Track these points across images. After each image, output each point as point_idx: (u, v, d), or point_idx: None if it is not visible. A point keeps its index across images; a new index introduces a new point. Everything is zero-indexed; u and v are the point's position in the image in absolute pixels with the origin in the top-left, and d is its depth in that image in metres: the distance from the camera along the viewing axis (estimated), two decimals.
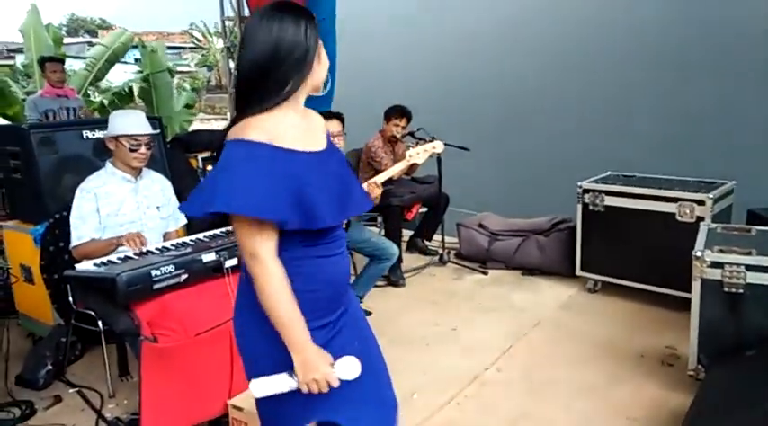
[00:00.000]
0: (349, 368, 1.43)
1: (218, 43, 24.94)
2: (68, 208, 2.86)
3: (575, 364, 3.07)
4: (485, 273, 4.46)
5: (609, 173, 4.12)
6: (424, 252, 4.94)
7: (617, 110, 5.05)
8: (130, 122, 2.83)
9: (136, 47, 9.21)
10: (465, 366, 3.08)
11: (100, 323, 2.76)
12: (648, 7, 4.89)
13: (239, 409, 2.40)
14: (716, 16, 4.52)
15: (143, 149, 2.83)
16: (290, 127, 1.43)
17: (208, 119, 17.11)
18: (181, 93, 8.14)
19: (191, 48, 26.71)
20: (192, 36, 25.73)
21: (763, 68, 4.32)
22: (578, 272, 3.99)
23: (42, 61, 5.42)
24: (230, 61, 6.27)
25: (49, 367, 3.02)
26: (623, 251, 3.73)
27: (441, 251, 4.75)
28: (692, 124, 4.63)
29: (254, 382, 1.42)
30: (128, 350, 2.80)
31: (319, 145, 1.49)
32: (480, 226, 4.72)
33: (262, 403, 1.55)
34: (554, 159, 5.43)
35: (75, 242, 2.71)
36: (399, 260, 4.18)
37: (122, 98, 8.49)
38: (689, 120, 4.66)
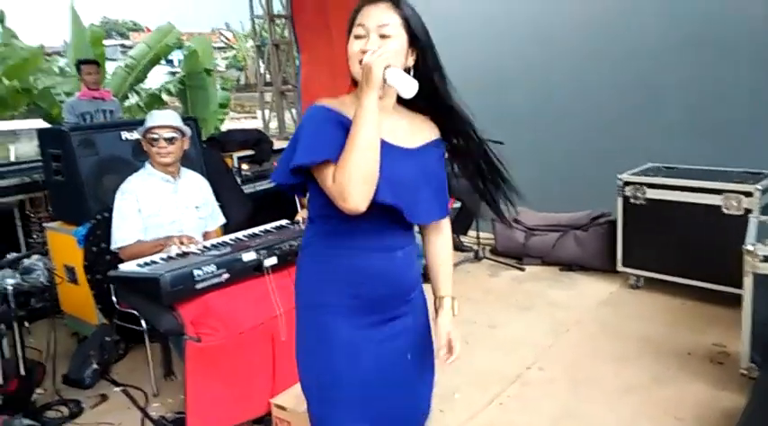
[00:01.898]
0: (402, 79, 1.37)
1: (248, 43, 25.27)
2: (110, 210, 2.90)
3: (618, 362, 3.00)
4: (521, 269, 4.40)
5: (649, 164, 4.01)
6: (459, 248, 4.89)
7: (652, 100, 4.93)
8: (154, 117, 2.86)
9: (179, 47, 9.35)
10: (505, 364, 3.04)
11: (143, 322, 2.80)
12: None
13: (282, 408, 2.41)
14: (752, 3, 4.38)
15: (162, 143, 2.82)
16: (351, 103, 1.43)
17: (238, 118, 17.30)
18: (215, 92, 8.20)
19: (220, 48, 27.02)
20: (222, 35, 26.02)
21: None
22: (619, 268, 3.89)
23: (78, 64, 5.53)
24: (260, 61, 6.32)
25: (95, 366, 3.07)
26: (667, 245, 3.63)
27: (475, 247, 4.70)
28: (731, 113, 4.48)
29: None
30: (171, 349, 2.83)
31: (399, 141, 1.46)
32: (516, 221, 4.65)
33: (311, 406, 1.54)
34: (588, 152, 5.33)
35: (119, 243, 2.75)
36: None
37: (156, 99, 8.61)
38: (727, 109, 4.51)
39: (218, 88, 8.71)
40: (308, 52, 5.93)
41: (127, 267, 2.43)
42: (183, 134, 2.88)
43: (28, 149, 12.26)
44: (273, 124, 6.62)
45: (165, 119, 2.84)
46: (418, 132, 1.52)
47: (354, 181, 1.30)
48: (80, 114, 5.00)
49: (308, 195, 1.51)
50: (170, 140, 2.83)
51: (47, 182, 3.57)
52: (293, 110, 6.59)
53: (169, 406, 2.82)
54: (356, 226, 1.41)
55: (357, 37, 1.42)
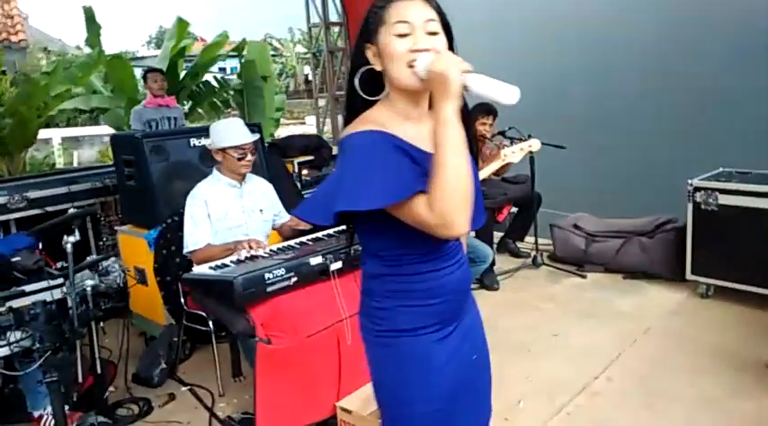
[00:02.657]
0: (495, 85, 1.20)
1: (296, 50, 25.72)
2: (179, 214, 2.99)
3: (692, 374, 2.89)
4: (583, 277, 4.29)
5: (721, 169, 3.86)
6: (516, 254, 4.82)
7: (721, 106, 4.75)
8: (235, 133, 2.91)
9: (233, 56, 9.52)
10: (571, 373, 2.97)
11: (210, 323, 2.86)
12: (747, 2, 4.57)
13: (348, 411, 2.42)
14: None
15: (249, 156, 2.92)
16: (390, 119, 1.31)
17: (286, 124, 17.60)
18: (271, 98, 8.33)
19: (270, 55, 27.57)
20: (270, 45, 26.56)
21: None
22: (688, 276, 3.75)
23: (145, 73, 5.73)
24: (308, 67, 6.42)
25: (163, 365, 3.16)
26: (740, 252, 3.48)
27: (533, 253, 4.62)
28: None
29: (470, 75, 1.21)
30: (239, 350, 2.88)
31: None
32: (575, 226, 4.56)
33: (385, 407, 1.54)
34: (649, 158, 5.18)
35: (191, 247, 2.82)
36: (492, 263, 4.09)
37: (215, 108, 8.82)
38: None
39: (275, 92, 8.82)
40: None
41: (200, 270, 2.49)
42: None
43: (89, 155, 12.81)
44: (326, 128, 6.69)
45: (249, 135, 2.92)
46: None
47: (458, 208, 1.17)
48: (146, 121, 5.16)
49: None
50: (253, 152, 2.93)
51: (118, 187, 3.71)
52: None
53: (235, 406, 2.88)
54: (426, 243, 1.34)
55: (400, 35, 1.26)
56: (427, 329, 1.41)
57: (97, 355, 2.61)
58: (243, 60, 8.45)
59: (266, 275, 2.31)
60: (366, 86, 1.35)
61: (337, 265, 2.53)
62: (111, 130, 8.15)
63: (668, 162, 4.59)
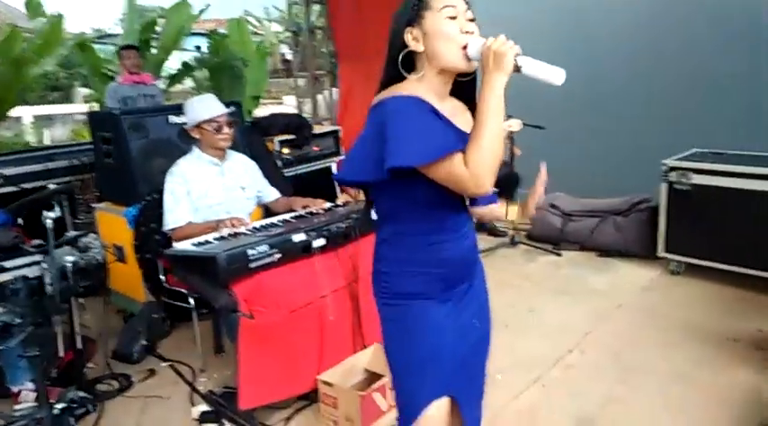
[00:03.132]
0: (544, 67, 1.33)
1: (274, 28, 25.29)
2: (159, 191, 2.97)
3: (663, 348, 2.99)
4: (558, 254, 4.38)
5: (695, 150, 3.95)
6: (494, 233, 4.89)
7: (692, 86, 4.82)
8: (208, 106, 2.90)
9: (202, 34, 9.37)
10: (547, 348, 3.05)
11: (191, 300, 2.87)
12: None
13: (329, 384, 2.46)
14: None
15: (226, 129, 2.90)
16: (425, 93, 1.41)
17: (265, 104, 17.39)
18: (253, 76, 8.21)
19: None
20: (248, 23, 26.09)
21: None
22: (661, 254, 3.86)
23: (119, 49, 5.62)
24: (286, 46, 6.36)
25: (143, 342, 3.16)
26: (711, 231, 3.59)
27: (511, 232, 4.69)
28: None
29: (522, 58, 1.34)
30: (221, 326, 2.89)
31: (460, 124, 1.47)
32: (552, 206, 4.64)
33: (396, 381, 1.60)
34: (625, 139, 5.24)
35: (171, 225, 2.81)
36: None
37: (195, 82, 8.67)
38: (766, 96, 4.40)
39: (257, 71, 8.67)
40: (343, 48, 5.98)
41: (182, 246, 2.48)
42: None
43: (60, 133, 12.53)
44: (306, 108, 6.65)
45: (222, 107, 2.91)
46: (467, 115, 1.53)
47: (491, 166, 1.30)
48: (122, 98, 5.08)
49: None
50: (230, 125, 2.91)
51: (96, 164, 3.65)
52: (325, 93, 6.59)
53: (215, 381, 2.90)
54: (434, 216, 1.47)
55: (452, 17, 1.39)
56: (430, 294, 1.50)
57: (77, 331, 2.61)
58: (218, 38, 8.31)
59: (249, 251, 2.32)
60: (393, 68, 1.45)
61: (320, 242, 2.55)
62: (84, 108, 7.99)
63: (645, 143, 4.65)
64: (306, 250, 2.52)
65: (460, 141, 1.35)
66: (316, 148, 4.26)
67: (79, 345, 2.65)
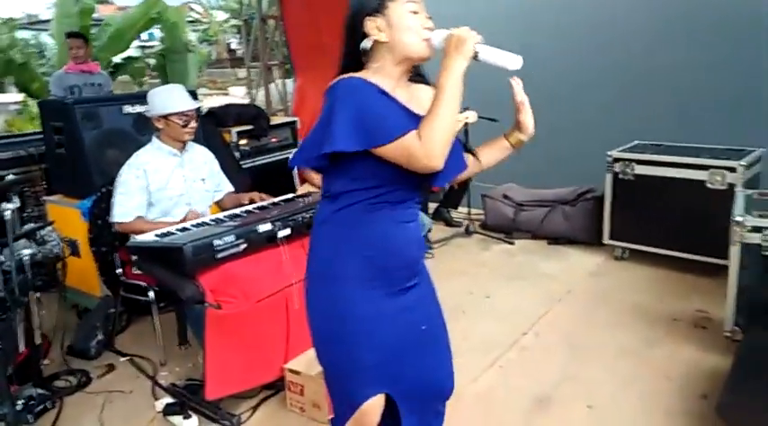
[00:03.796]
0: (501, 54, 1.42)
1: (219, 17, 24.72)
2: (113, 183, 2.92)
3: (610, 328, 3.16)
4: (511, 243, 4.54)
5: (636, 142, 4.16)
6: (450, 223, 5.01)
7: (636, 82, 5.05)
8: (178, 99, 2.86)
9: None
10: (503, 331, 3.17)
11: (151, 293, 2.84)
12: None
13: (296, 372, 2.49)
14: None
15: (193, 123, 2.88)
16: (380, 81, 1.45)
17: (210, 95, 17.03)
18: (194, 67, 8.04)
19: (190, 22, 26.37)
20: (192, 10, 25.39)
21: None
22: (606, 241, 4.06)
23: (66, 37, 5.42)
24: (231, 36, 6.26)
25: (100, 337, 3.10)
26: (653, 219, 3.80)
27: (466, 222, 4.82)
28: (713, 94, 4.64)
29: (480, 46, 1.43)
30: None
31: (419, 110, 1.48)
32: (505, 197, 4.78)
33: (329, 375, 1.60)
34: (573, 132, 5.44)
35: (119, 218, 2.78)
36: (428, 230, 4.25)
37: (138, 72, 8.43)
38: (710, 91, 4.67)
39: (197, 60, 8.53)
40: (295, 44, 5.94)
41: (145, 237, 2.46)
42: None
43: None
44: (259, 99, 6.59)
45: (192, 102, 2.89)
46: (424, 100, 1.52)
47: (443, 143, 1.36)
48: (68, 87, 4.91)
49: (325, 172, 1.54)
50: (196, 119, 2.89)
51: (46, 156, 3.54)
52: (278, 82, 6.53)
53: (177, 374, 2.89)
54: (383, 198, 1.47)
55: (414, 12, 1.46)
56: (357, 279, 1.48)
57: (36, 326, 2.54)
58: (168, 24, 8.09)
59: (216, 242, 2.32)
60: (351, 58, 1.50)
61: (285, 232, 2.57)
62: (18, 97, 7.65)
63: (590, 136, 4.86)
64: (271, 240, 2.54)
65: (413, 122, 1.39)
66: (274, 139, 4.25)
67: (39, 340, 2.58)
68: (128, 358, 3.08)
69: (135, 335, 3.32)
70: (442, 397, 1.71)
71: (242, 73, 17.55)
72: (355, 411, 1.52)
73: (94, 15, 8.52)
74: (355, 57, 1.49)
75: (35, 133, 3.87)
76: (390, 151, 1.38)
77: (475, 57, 1.41)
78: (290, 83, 6.37)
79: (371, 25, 1.46)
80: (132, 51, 9.45)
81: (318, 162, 1.44)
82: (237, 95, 11.70)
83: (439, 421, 1.73)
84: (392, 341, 1.53)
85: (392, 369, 1.54)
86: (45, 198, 3.59)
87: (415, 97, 1.53)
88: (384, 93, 1.43)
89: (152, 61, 8.32)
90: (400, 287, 1.55)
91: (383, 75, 1.48)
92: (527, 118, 1.61)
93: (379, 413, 1.55)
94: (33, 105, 8.38)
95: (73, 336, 3.12)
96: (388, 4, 1.45)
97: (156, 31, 11.65)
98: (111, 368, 3.01)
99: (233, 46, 23.63)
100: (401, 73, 1.51)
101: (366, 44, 1.46)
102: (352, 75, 1.44)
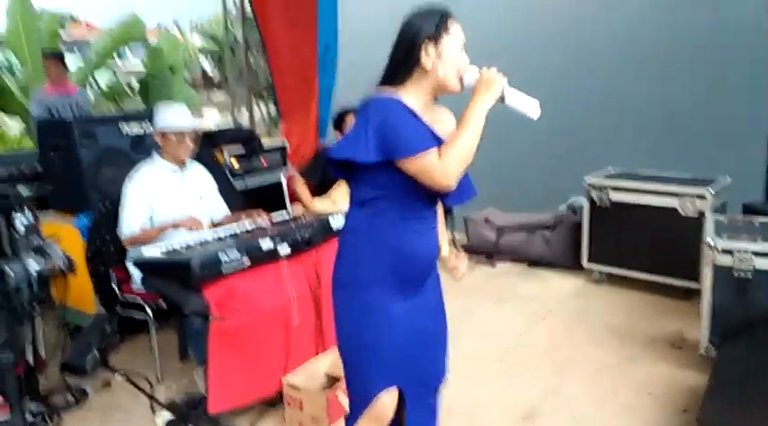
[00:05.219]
0: (524, 99, 1.63)
1: (195, 40, 24.73)
2: (113, 201, 2.98)
3: (591, 346, 3.31)
4: (493, 266, 4.68)
5: (610, 169, 4.37)
6: None
7: (609, 109, 5.29)
8: (175, 116, 2.97)
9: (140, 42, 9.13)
10: (485, 349, 3.29)
11: (149, 310, 2.89)
12: (637, 10, 5.16)
13: (295, 387, 2.56)
14: (702, 17, 4.81)
15: (188, 141, 2.97)
16: (411, 102, 1.62)
17: None
18: (181, 91, 8.10)
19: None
20: (169, 32, 25.36)
21: (746, 70, 4.62)
22: (585, 264, 4.24)
23: (43, 57, 5.45)
24: (205, 59, 6.33)
25: (95, 354, 3.11)
26: (628, 244, 3.99)
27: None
28: (681, 122, 4.91)
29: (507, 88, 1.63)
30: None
31: (441, 133, 1.64)
32: (486, 220, 4.94)
33: (350, 372, 1.73)
34: (547, 157, 5.63)
35: (127, 231, 2.85)
36: None
37: (119, 95, 8.45)
38: (677, 119, 4.93)
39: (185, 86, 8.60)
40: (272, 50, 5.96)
41: (151, 253, 2.52)
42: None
43: None
44: (244, 121, 6.68)
45: (190, 121, 2.99)
46: (446, 125, 1.73)
47: (459, 167, 1.56)
48: (47, 107, 4.94)
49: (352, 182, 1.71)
50: (193, 139, 3.00)
51: (44, 173, 3.56)
52: (261, 106, 6.63)
53: (173, 391, 2.92)
54: (409, 206, 1.63)
55: (461, 49, 1.65)
56: (384, 284, 1.64)
57: (39, 340, 2.57)
58: (151, 48, 8.15)
59: (222, 257, 2.41)
60: (394, 75, 1.65)
61: (285, 249, 2.66)
62: None
63: (565, 161, 5.07)
64: (272, 256, 2.63)
65: (435, 143, 1.57)
66: (264, 163, 4.33)
67: (43, 354, 2.60)
68: (123, 374, 3.09)
69: (130, 352, 3.34)
70: (436, 388, 1.87)
71: (215, 96, 17.60)
72: (370, 403, 1.65)
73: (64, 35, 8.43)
74: (397, 72, 1.64)
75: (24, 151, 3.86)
76: (413, 164, 1.55)
77: (502, 100, 1.60)
78: (272, 106, 6.48)
79: (426, 52, 1.60)
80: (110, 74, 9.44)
81: (369, 157, 1.57)
82: (212, 119, 11.77)
83: (433, 417, 1.87)
84: (407, 340, 1.69)
85: (405, 366, 1.69)
86: (39, 213, 3.58)
87: (437, 121, 1.69)
88: (413, 113, 1.59)
89: (135, 84, 8.34)
90: (417, 288, 1.71)
91: (414, 96, 1.64)
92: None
93: (392, 407, 1.69)
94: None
95: (67, 353, 3.12)
96: (444, 36, 1.61)
97: (129, 51, 11.66)
98: (107, 384, 3.02)
99: (206, 69, 23.66)
100: (429, 98, 1.68)
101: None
102: (385, 94, 1.60)
